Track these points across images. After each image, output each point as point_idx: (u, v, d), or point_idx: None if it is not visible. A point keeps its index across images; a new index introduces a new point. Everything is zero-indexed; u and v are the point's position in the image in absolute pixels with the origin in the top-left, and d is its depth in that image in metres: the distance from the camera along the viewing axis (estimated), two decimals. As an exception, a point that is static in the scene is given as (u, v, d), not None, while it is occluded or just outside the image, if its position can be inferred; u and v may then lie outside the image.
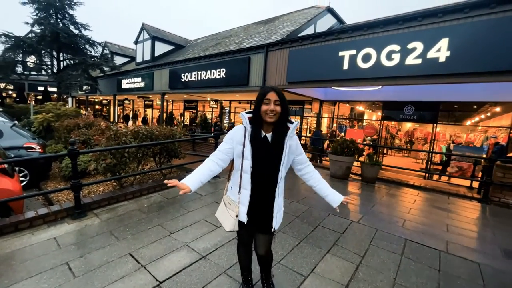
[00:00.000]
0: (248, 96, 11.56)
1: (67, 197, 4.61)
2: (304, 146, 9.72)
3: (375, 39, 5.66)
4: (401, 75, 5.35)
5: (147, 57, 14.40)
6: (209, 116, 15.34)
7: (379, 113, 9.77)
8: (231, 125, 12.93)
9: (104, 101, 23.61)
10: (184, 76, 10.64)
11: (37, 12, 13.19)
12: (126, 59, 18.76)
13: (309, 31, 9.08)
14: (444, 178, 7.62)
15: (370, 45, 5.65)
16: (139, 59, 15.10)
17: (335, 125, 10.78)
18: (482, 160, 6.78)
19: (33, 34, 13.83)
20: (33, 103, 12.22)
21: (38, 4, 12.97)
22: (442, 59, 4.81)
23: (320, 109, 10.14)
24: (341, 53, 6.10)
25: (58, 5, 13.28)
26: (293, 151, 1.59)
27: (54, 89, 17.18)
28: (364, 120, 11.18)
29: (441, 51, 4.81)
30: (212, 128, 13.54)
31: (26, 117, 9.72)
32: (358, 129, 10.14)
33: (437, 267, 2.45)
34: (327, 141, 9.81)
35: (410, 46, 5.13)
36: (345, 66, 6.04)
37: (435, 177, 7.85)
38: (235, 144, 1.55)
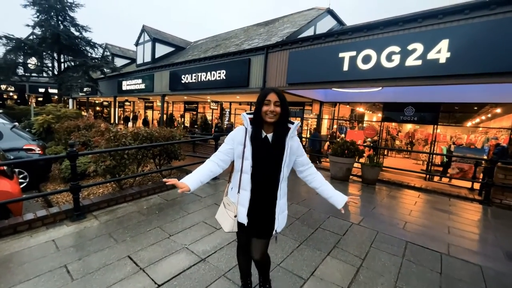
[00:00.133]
0: (248, 97, 11.56)
1: (67, 199, 4.59)
2: (303, 147, 9.69)
3: (375, 40, 5.66)
4: (401, 76, 5.35)
5: (148, 58, 14.44)
6: (209, 118, 15.34)
7: (380, 115, 9.76)
8: (229, 126, 12.93)
9: (105, 103, 23.65)
10: (184, 77, 10.65)
11: (38, 14, 13.25)
12: (126, 61, 18.81)
13: (309, 32, 9.09)
14: (445, 180, 7.59)
15: (370, 47, 5.65)
16: (139, 60, 15.14)
17: (335, 126, 10.77)
18: (483, 162, 6.75)
19: (34, 36, 13.88)
20: (34, 104, 12.25)
21: (39, 6, 13.03)
22: (442, 60, 4.81)
23: (321, 111, 10.13)
24: (341, 55, 6.10)
25: (59, 7, 13.35)
26: (295, 152, 1.58)
27: (55, 91, 17.21)
28: (365, 122, 11.17)
29: (441, 52, 4.80)
30: (213, 129, 13.55)
31: (27, 119, 9.71)
32: (359, 131, 10.12)
33: (438, 270, 2.43)
34: (327, 143, 9.79)
35: (410, 47, 5.13)
36: (345, 68, 6.03)
37: (436, 178, 7.82)
38: (235, 144, 1.55)
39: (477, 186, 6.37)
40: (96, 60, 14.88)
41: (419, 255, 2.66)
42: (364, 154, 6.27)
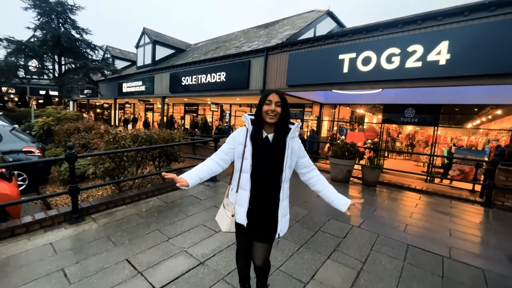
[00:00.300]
0: (248, 99, 11.57)
1: (66, 201, 4.57)
2: (304, 149, 9.66)
3: (375, 42, 5.66)
4: (401, 78, 5.34)
5: (148, 61, 14.48)
6: (209, 120, 15.35)
7: (380, 116, 9.75)
8: (227, 128, 12.95)
9: (105, 105, 23.69)
10: (184, 79, 10.67)
11: (39, 17, 13.31)
12: (127, 63, 18.87)
13: (309, 34, 9.11)
14: (446, 182, 7.56)
15: (370, 48, 5.65)
16: (140, 63, 15.18)
17: (335, 128, 10.75)
18: (484, 164, 6.72)
19: (35, 39, 13.94)
20: (34, 106, 12.26)
21: (40, 9, 13.09)
22: (442, 62, 4.80)
23: (321, 112, 10.12)
24: (341, 56, 6.10)
25: (60, 10, 13.41)
26: (296, 153, 1.56)
27: (56, 93, 17.24)
28: (365, 123, 11.16)
29: (441, 54, 4.80)
30: (213, 131, 13.54)
31: (27, 121, 9.72)
32: (359, 132, 10.11)
33: (440, 273, 2.40)
34: (328, 144, 9.78)
35: (410, 49, 5.12)
36: (345, 69, 6.03)
37: (437, 180, 7.79)
38: (236, 144, 1.56)
39: (478, 188, 6.33)
40: (97, 62, 14.91)
41: (421, 258, 2.63)
42: (365, 156, 6.25)
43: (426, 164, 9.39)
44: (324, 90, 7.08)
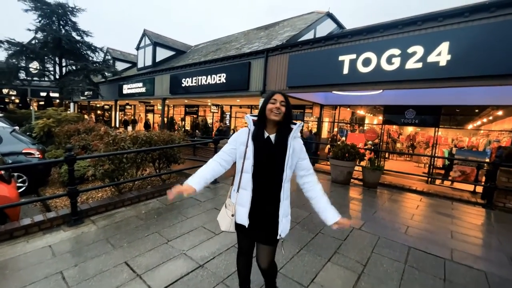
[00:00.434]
0: (248, 100, 11.57)
1: (65, 203, 4.56)
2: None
3: (375, 43, 5.65)
4: (401, 79, 5.33)
5: (148, 62, 14.51)
6: (210, 121, 15.35)
7: (380, 117, 9.73)
8: (225, 129, 12.96)
9: (106, 106, 23.74)
10: (185, 81, 10.68)
11: (40, 19, 13.35)
12: (127, 65, 18.91)
13: (309, 36, 9.11)
14: (447, 183, 7.52)
15: (370, 50, 5.64)
16: (140, 64, 15.21)
17: (336, 129, 10.73)
18: (485, 165, 6.69)
19: (36, 41, 13.98)
20: (35, 108, 12.29)
21: (41, 11, 13.13)
22: (442, 63, 4.78)
23: (321, 114, 10.11)
24: (341, 58, 6.09)
25: (61, 12, 13.45)
26: (297, 154, 1.55)
27: (56, 95, 17.29)
28: (365, 124, 11.14)
29: (441, 55, 4.78)
30: (213, 133, 13.54)
31: (28, 123, 9.73)
32: (359, 134, 10.08)
33: (442, 276, 2.38)
34: (328, 146, 9.76)
35: (410, 50, 5.12)
36: (345, 71, 6.02)
37: (438, 181, 7.75)
38: (238, 144, 1.57)
39: (479, 189, 6.30)
40: (97, 64, 14.94)
41: (422, 261, 2.61)
42: (365, 157, 6.23)
43: (427, 165, 9.36)
44: (324, 91, 7.08)
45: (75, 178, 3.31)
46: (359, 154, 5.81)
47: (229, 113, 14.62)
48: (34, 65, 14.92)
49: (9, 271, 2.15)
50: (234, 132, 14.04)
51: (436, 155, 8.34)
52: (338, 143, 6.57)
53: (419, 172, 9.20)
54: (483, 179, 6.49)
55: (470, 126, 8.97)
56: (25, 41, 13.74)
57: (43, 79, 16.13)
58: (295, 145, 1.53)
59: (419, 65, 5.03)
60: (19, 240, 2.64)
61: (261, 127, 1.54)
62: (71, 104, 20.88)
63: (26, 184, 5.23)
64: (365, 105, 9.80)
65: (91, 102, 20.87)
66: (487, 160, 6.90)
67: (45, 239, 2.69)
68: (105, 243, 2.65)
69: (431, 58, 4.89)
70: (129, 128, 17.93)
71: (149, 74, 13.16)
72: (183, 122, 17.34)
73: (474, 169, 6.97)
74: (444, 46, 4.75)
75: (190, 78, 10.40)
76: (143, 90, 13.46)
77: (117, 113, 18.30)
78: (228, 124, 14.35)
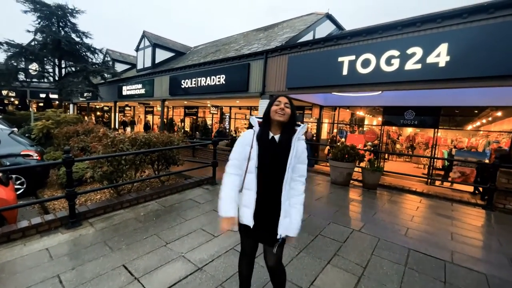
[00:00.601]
0: (248, 102, 11.56)
1: (63, 206, 4.54)
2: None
3: (374, 44, 5.65)
4: (401, 80, 5.32)
5: (148, 64, 14.50)
6: (209, 122, 15.33)
7: (380, 118, 9.73)
8: (224, 130, 12.95)
9: (105, 108, 23.71)
10: (184, 82, 10.67)
11: (39, 20, 13.35)
12: (127, 66, 18.90)
13: (308, 37, 9.12)
14: (446, 184, 7.51)
15: (369, 51, 5.64)
16: (140, 66, 15.20)
17: (335, 130, 10.73)
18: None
19: (36, 42, 13.99)
20: (34, 110, 12.27)
21: (40, 12, 13.14)
22: (442, 64, 4.79)
23: (320, 115, 10.11)
24: (340, 59, 6.09)
25: (60, 14, 13.46)
26: (299, 155, 1.56)
27: (56, 96, 17.27)
28: (365, 125, 11.14)
29: (440, 56, 4.79)
30: (213, 134, 13.52)
31: (27, 124, 9.72)
32: (359, 135, 10.08)
33: (442, 278, 2.36)
34: (327, 147, 9.74)
35: (409, 51, 5.12)
36: (345, 72, 6.02)
37: (438, 182, 7.74)
38: (244, 146, 1.59)
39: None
40: (97, 66, 14.93)
41: (422, 263, 2.59)
42: (365, 159, 6.22)
43: (427, 167, 9.35)
44: (323, 92, 7.07)
45: (74, 180, 3.29)
46: (358, 155, 5.80)
47: (229, 115, 14.61)
48: (34, 67, 14.92)
49: (5, 274, 2.13)
50: (235, 132, 14.08)
51: (435, 156, 8.34)
52: (338, 144, 6.56)
53: (419, 173, 9.19)
54: (473, 178, 6.49)
55: (469, 127, 8.97)
56: (24, 42, 13.75)
57: (42, 80, 16.13)
58: (299, 147, 1.55)
59: (418, 66, 5.03)
60: (16, 243, 2.62)
61: (266, 127, 1.57)
62: (71, 106, 20.86)
63: (24, 186, 5.20)
64: (365, 106, 9.80)
65: (90, 104, 20.83)
66: (487, 161, 6.89)
67: (43, 242, 2.66)
68: (103, 245, 2.63)
69: (430, 59, 4.89)
70: (128, 129, 17.89)
71: (149, 76, 13.15)
72: (183, 124, 17.32)
73: (474, 170, 6.96)
74: (443, 47, 4.75)
75: (190, 80, 10.40)
76: (142, 91, 13.45)
77: (117, 114, 18.28)
78: (228, 125, 14.34)
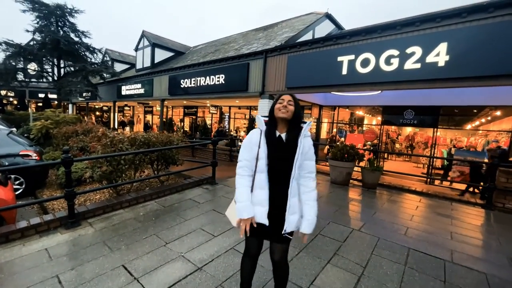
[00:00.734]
0: (247, 101, 11.54)
1: (63, 206, 4.52)
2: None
3: (374, 44, 5.65)
4: (400, 79, 5.32)
5: (147, 63, 14.47)
6: (208, 122, 15.32)
7: (379, 118, 9.73)
8: (224, 129, 12.93)
9: (105, 108, 23.67)
10: (183, 82, 10.66)
11: (38, 20, 13.31)
12: (126, 66, 18.86)
13: (307, 37, 9.11)
14: (446, 183, 7.53)
15: (369, 50, 5.64)
16: (139, 65, 15.18)
17: (335, 130, 10.73)
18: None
19: (34, 42, 13.93)
20: (33, 109, 12.23)
21: (39, 12, 13.10)
22: (441, 63, 4.79)
23: (320, 114, 10.11)
24: (339, 58, 6.09)
25: (59, 13, 13.42)
26: (306, 152, 1.57)
27: (55, 96, 17.24)
28: (364, 125, 11.14)
29: (440, 55, 4.79)
30: (212, 134, 13.51)
31: (26, 124, 9.68)
32: (358, 134, 10.08)
33: (442, 278, 2.36)
34: (327, 146, 9.74)
35: (408, 50, 5.12)
36: (344, 71, 6.02)
37: (437, 182, 7.75)
38: (252, 145, 1.60)
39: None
40: (96, 65, 14.89)
41: (422, 263, 2.59)
42: (364, 158, 6.22)
43: (426, 166, 9.36)
44: (323, 92, 7.07)
45: (73, 180, 3.28)
46: (358, 155, 5.80)
47: (228, 114, 14.60)
48: (32, 66, 14.86)
49: (4, 275, 2.11)
50: (236, 132, 14.06)
51: (435, 155, 8.35)
52: (337, 144, 6.56)
53: (418, 172, 9.20)
54: (468, 177, 6.55)
55: (468, 127, 8.98)
56: (23, 42, 13.71)
57: (41, 80, 16.06)
58: (305, 143, 1.56)
59: (418, 65, 5.04)
60: (15, 243, 2.61)
61: (272, 126, 1.58)
62: (70, 106, 20.81)
63: (23, 186, 5.19)
64: (364, 105, 9.80)
65: (89, 104, 20.79)
66: (486, 160, 6.89)
67: (42, 242, 2.65)
68: (103, 246, 2.62)
69: (430, 59, 4.90)
70: (127, 129, 17.86)
71: (148, 75, 13.13)
72: (182, 123, 17.30)
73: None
74: (443, 47, 4.75)
75: (189, 79, 10.38)
76: (141, 91, 13.42)
77: (116, 114, 18.25)
78: (227, 125, 14.33)
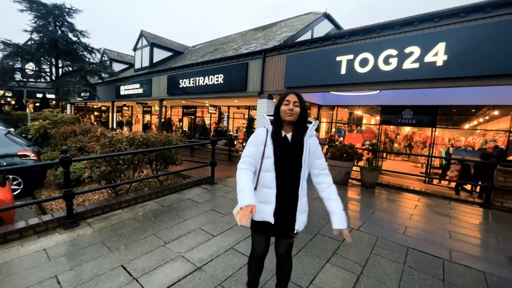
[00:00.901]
0: (246, 101, 11.54)
1: (61, 206, 4.50)
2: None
3: (372, 44, 5.67)
4: (398, 79, 5.34)
5: (146, 63, 14.44)
6: (207, 122, 15.30)
7: (378, 118, 9.76)
8: (223, 129, 12.92)
9: (103, 108, 23.59)
10: (182, 82, 10.64)
11: (36, 19, 13.23)
12: (124, 66, 18.81)
13: (306, 36, 9.12)
14: (444, 182, 7.56)
15: (367, 50, 5.66)
16: (137, 65, 15.14)
17: (333, 129, 10.75)
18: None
19: (32, 42, 13.86)
20: (31, 110, 12.17)
21: (36, 12, 13.02)
22: (439, 63, 4.81)
23: (319, 114, 10.13)
24: (338, 58, 6.10)
25: (57, 13, 13.34)
26: (313, 152, 1.58)
27: (53, 96, 17.15)
28: (363, 125, 11.17)
29: (438, 55, 4.81)
30: (211, 134, 13.50)
31: (24, 124, 9.64)
32: (357, 134, 10.11)
33: (440, 276, 2.37)
34: (326, 146, 9.75)
35: (407, 50, 5.13)
36: (343, 71, 6.03)
37: (435, 181, 7.78)
38: (258, 144, 1.59)
39: (477, 188, 6.32)
40: (94, 65, 14.82)
41: (421, 262, 2.60)
42: (363, 158, 6.23)
43: (425, 165, 9.40)
44: (322, 91, 7.08)
45: (71, 180, 3.27)
46: (357, 154, 5.82)
47: (227, 114, 14.59)
48: (30, 66, 14.78)
49: (2, 275, 2.10)
50: (236, 132, 14.05)
51: (433, 155, 8.38)
52: (336, 143, 6.57)
53: (417, 172, 9.24)
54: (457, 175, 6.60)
55: (466, 126, 9.02)
56: (21, 42, 13.62)
57: (39, 80, 15.98)
58: (311, 144, 1.57)
59: (416, 65, 5.05)
60: (13, 243, 2.59)
61: (278, 126, 1.58)
62: (68, 106, 20.74)
63: (21, 186, 5.17)
64: (363, 105, 9.83)
65: (88, 104, 20.72)
66: (477, 159, 6.92)
67: (40, 242, 2.64)
68: (101, 246, 2.61)
69: (428, 59, 4.91)
70: (125, 129, 17.81)
71: (147, 75, 13.10)
72: (181, 123, 17.28)
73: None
74: (441, 47, 4.77)
75: (188, 79, 10.37)
76: (140, 91, 13.39)
77: (115, 114, 18.19)
78: (226, 125, 14.32)
